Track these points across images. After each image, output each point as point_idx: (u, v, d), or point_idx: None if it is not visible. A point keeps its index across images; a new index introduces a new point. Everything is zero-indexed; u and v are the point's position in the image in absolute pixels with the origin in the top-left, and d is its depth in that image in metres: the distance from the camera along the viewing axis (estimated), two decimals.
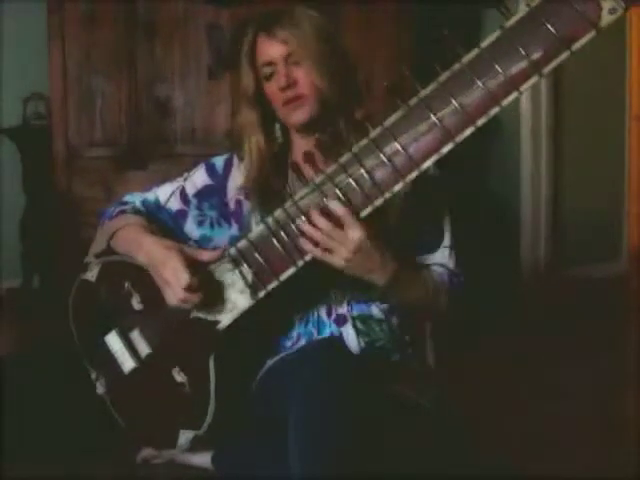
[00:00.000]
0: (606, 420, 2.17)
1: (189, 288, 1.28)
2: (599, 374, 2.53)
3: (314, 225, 1.21)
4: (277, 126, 1.48)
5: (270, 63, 1.40)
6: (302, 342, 1.41)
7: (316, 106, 1.39)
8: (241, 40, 1.46)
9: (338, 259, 1.23)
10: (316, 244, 1.22)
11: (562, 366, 2.63)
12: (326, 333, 1.40)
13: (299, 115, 1.40)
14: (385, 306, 1.42)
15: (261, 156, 1.46)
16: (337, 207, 1.20)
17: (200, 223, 1.53)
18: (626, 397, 2.34)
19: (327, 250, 1.22)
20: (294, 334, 1.42)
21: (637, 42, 3.07)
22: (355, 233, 1.20)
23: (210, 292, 1.31)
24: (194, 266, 1.31)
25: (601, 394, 2.35)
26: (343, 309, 1.41)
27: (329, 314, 1.41)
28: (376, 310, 1.42)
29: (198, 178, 1.53)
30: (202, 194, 1.52)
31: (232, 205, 1.51)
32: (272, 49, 1.40)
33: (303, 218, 1.22)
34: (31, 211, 3.50)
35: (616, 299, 3.21)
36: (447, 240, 1.45)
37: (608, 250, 4.03)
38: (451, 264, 1.44)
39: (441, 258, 1.44)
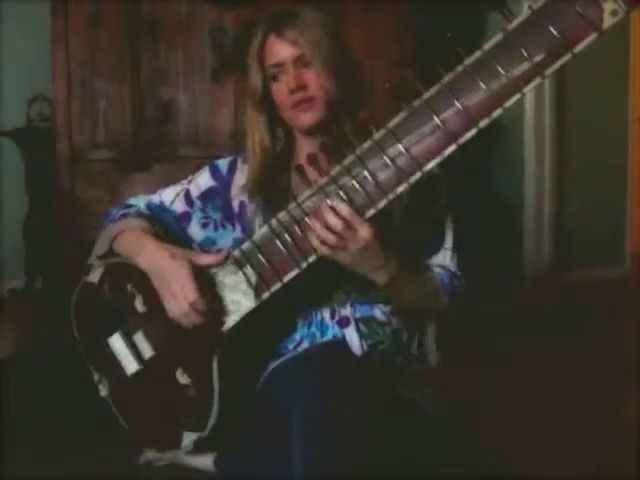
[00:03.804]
0: (607, 421, 2.17)
1: (195, 305, 1.29)
2: (601, 376, 2.53)
3: (325, 223, 1.20)
4: (279, 127, 1.47)
5: (279, 64, 1.39)
6: (305, 344, 1.41)
7: (324, 109, 1.39)
8: (249, 40, 1.44)
9: (345, 256, 1.23)
10: (324, 242, 1.21)
11: (564, 368, 2.63)
12: (329, 335, 1.40)
13: (307, 118, 1.39)
14: (388, 308, 1.42)
15: (265, 155, 1.45)
16: (343, 209, 1.19)
17: (204, 225, 1.53)
18: (627, 398, 2.34)
19: (335, 247, 1.22)
20: (297, 336, 1.42)
21: None
22: (364, 232, 1.20)
23: (213, 306, 1.32)
24: (200, 277, 1.31)
25: (602, 395, 2.35)
26: (346, 311, 1.41)
27: (332, 316, 1.41)
28: (379, 312, 1.42)
29: (202, 180, 1.53)
30: (206, 196, 1.52)
31: (236, 207, 1.51)
32: (282, 50, 1.38)
33: (307, 219, 1.22)
34: (34, 212, 3.51)
35: (618, 302, 3.21)
36: (449, 242, 1.45)
37: (611, 253, 4.03)
38: (452, 266, 1.45)
39: (442, 260, 1.45)
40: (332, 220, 1.19)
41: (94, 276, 1.48)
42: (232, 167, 1.53)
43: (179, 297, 1.29)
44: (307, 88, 1.38)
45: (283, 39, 1.38)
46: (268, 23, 1.41)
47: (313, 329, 1.41)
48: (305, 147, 1.45)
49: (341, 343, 1.39)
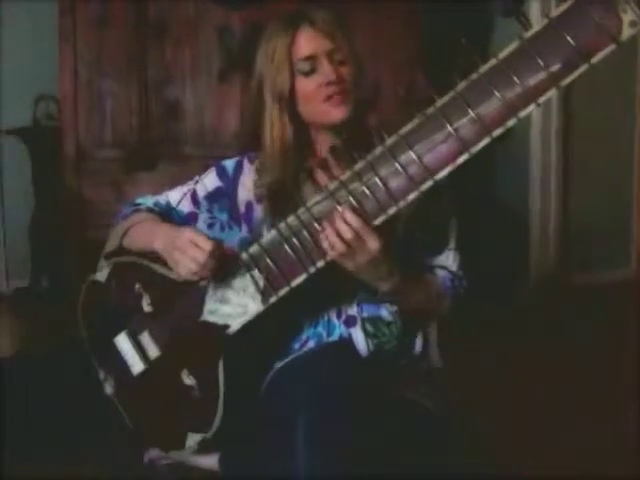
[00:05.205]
0: (608, 422, 2.17)
1: (209, 251, 1.25)
2: (605, 378, 2.53)
3: (335, 230, 1.20)
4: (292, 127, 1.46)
5: (310, 57, 1.37)
6: (311, 344, 1.41)
7: (354, 104, 1.38)
8: (270, 37, 1.41)
9: (352, 264, 1.23)
10: (333, 247, 1.21)
11: (568, 370, 2.63)
12: (336, 335, 1.40)
13: (338, 112, 1.37)
14: (394, 308, 1.42)
15: (284, 154, 1.43)
16: (353, 219, 1.19)
17: (210, 226, 1.53)
18: (630, 400, 2.34)
19: (343, 254, 1.22)
20: (303, 336, 1.42)
21: None
22: (372, 244, 1.20)
23: (223, 265, 1.30)
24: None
25: (606, 397, 2.35)
26: (353, 310, 1.41)
27: (339, 316, 1.41)
28: (385, 312, 1.42)
29: (209, 181, 1.53)
30: (212, 196, 1.52)
31: (242, 208, 1.50)
32: (316, 42, 1.37)
33: (315, 225, 1.22)
34: (40, 211, 3.51)
35: (624, 304, 3.21)
36: (452, 243, 1.46)
37: (616, 256, 4.02)
38: (454, 267, 1.45)
39: (445, 260, 1.45)
40: (342, 228, 1.19)
41: (101, 275, 1.48)
42: (238, 167, 1.52)
43: (189, 250, 1.26)
44: (344, 81, 1.37)
45: (318, 31, 1.37)
46: (298, 16, 1.39)
47: (320, 329, 1.41)
48: (319, 148, 1.45)
49: (346, 344, 1.39)
